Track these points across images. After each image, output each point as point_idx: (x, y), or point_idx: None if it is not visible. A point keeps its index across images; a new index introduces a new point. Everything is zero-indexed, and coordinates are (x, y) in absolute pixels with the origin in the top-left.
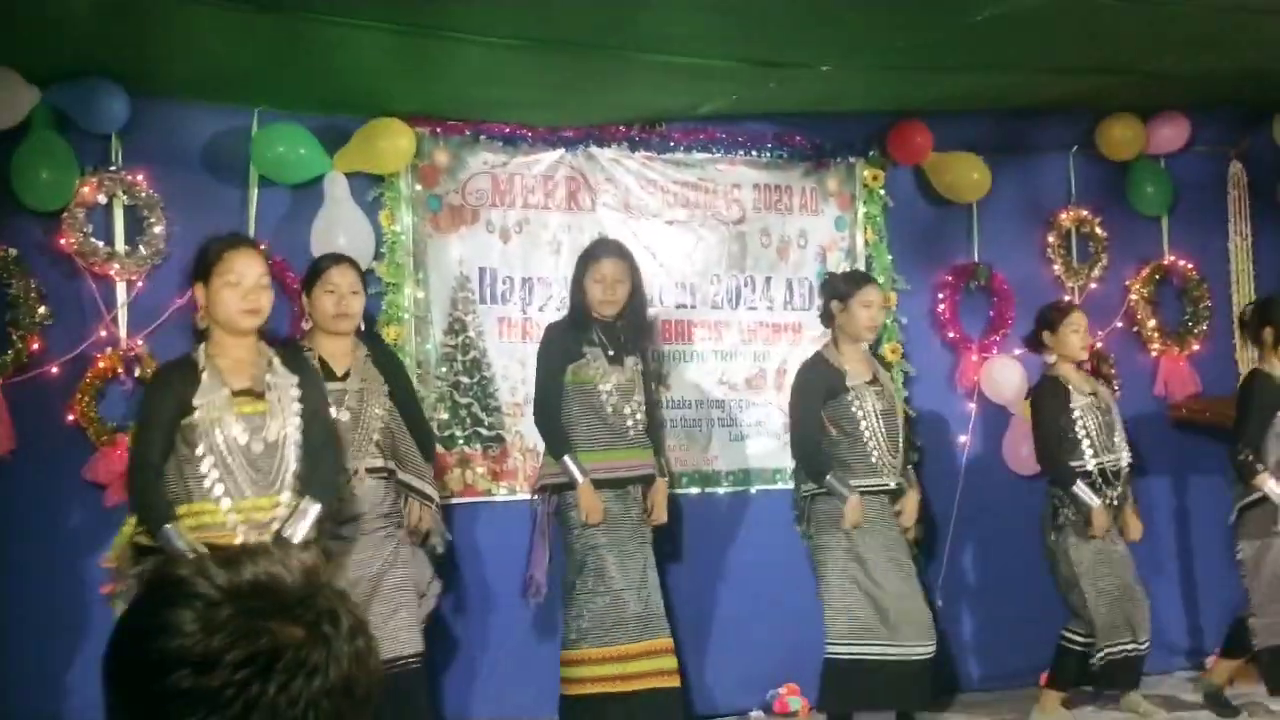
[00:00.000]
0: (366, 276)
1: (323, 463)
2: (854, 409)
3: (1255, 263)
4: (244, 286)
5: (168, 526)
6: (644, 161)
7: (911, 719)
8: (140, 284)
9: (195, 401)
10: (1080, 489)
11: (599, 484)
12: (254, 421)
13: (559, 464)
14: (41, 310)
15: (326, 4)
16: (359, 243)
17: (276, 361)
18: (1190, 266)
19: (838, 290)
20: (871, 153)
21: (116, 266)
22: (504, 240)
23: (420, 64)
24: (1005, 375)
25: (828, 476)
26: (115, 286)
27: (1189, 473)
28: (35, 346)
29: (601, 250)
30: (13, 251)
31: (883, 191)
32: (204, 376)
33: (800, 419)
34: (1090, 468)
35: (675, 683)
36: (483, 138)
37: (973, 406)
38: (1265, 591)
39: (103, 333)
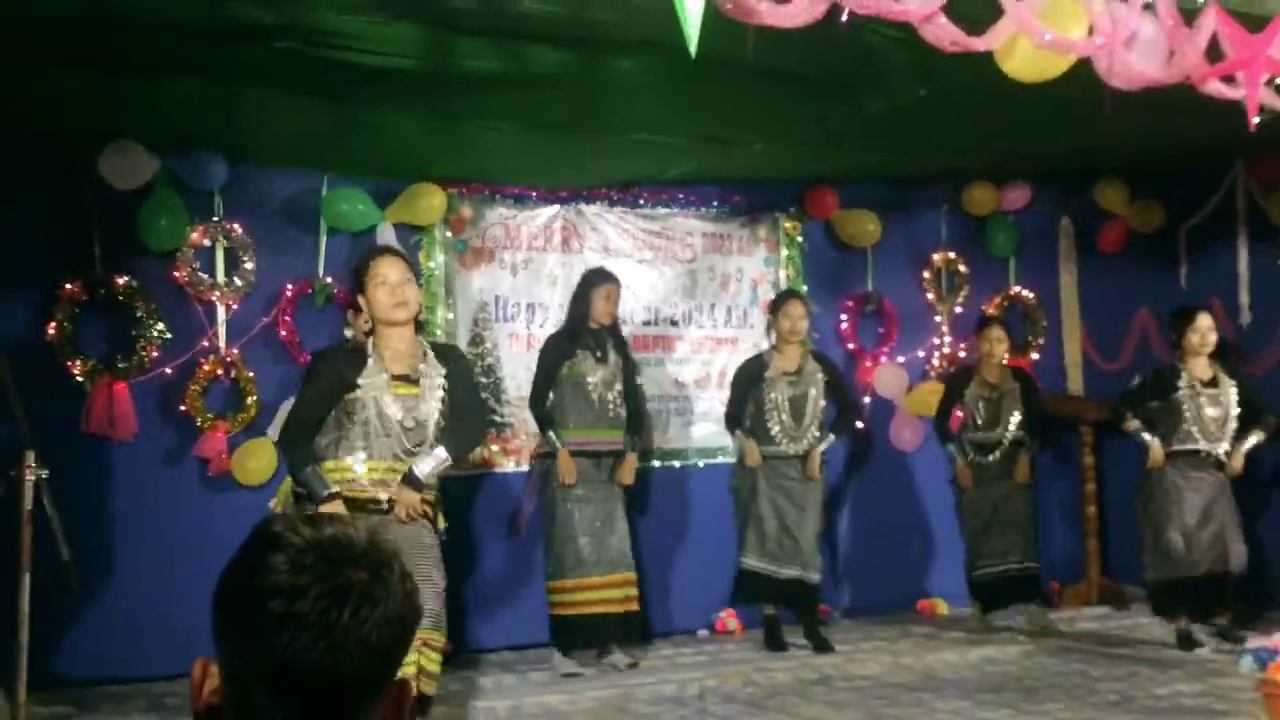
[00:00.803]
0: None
1: (462, 424)
2: (765, 394)
3: (1080, 292)
4: (390, 284)
5: (306, 469)
6: (620, 215)
7: (813, 629)
8: (236, 307)
9: (360, 381)
10: (952, 450)
11: (581, 453)
12: (408, 402)
13: (544, 438)
14: (159, 326)
15: (380, 97)
16: None
17: (430, 354)
18: (1031, 296)
19: (774, 305)
20: (792, 209)
21: (218, 294)
22: (513, 275)
23: (450, 142)
24: (891, 377)
25: (736, 433)
26: (216, 309)
27: None
28: (154, 354)
29: (608, 275)
30: (136, 282)
31: (800, 239)
32: (370, 361)
33: (729, 398)
34: (970, 438)
35: (635, 607)
36: (498, 196)
37: (868, 400)
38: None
39: (206, 344)
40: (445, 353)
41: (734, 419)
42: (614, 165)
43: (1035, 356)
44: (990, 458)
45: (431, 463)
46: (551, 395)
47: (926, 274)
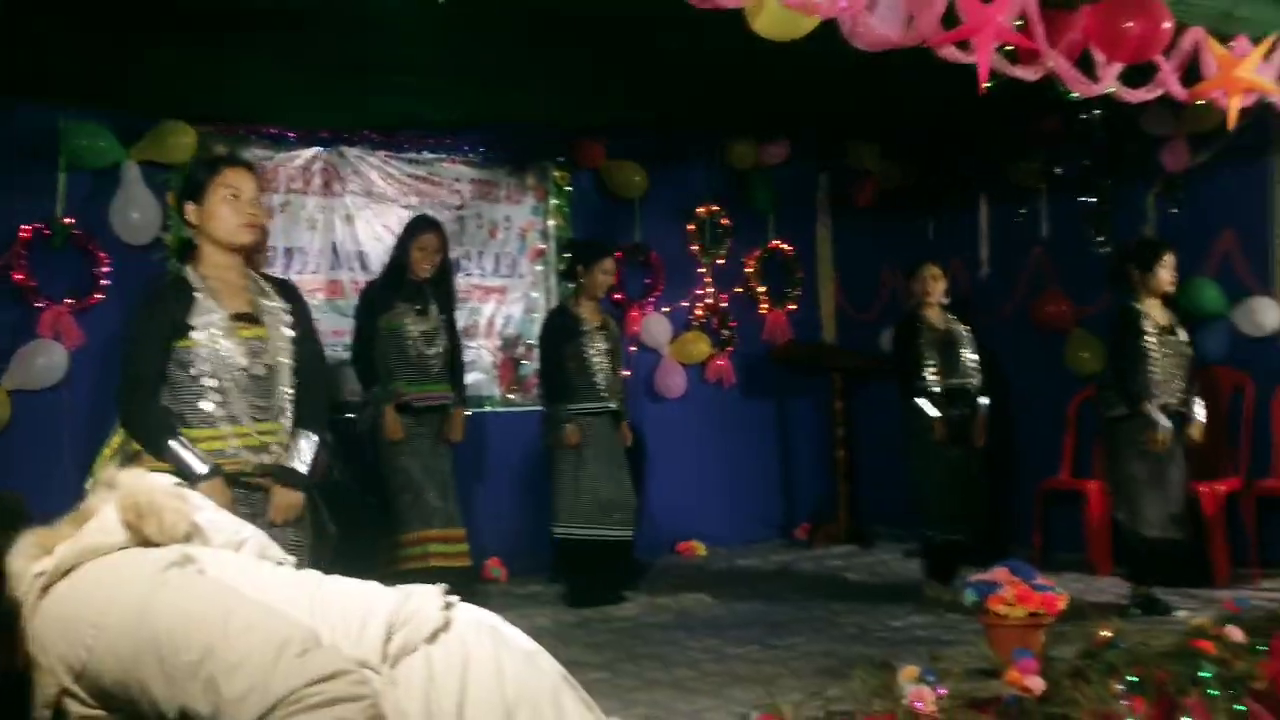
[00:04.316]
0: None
1: (314, 394)
2: (585, 349)
3: (835, 245)
4: (243, 200)
5: (172, 442)
6: (384, 159)
7: (621, 584)
8: None
9: (191, 322)
10: (922, 404)
11: (406, 409)
12: (253, 345)
13: (367, 393)
14: None
15: (125, 26)
16: (149, 217)
17: (269, 287)
18: (789, 249)
19: (582, 256)
20: (560, 158)
21: None
22: (270, 218)
23: (202, 76)
24: (657, 327)
25: (557, 405)
26: None
27: (786, 396)
28: None
29: (425, 224)
30: None
31: (569, 188)
32: (198, 297)
33: (544, 356)
34: (935, 388)
35: (467, 563)
36: (253, 136)
37: (634, 349)
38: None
39: None
40: (285, 288)
41: (554, 384)
42: (377, 108)
43: (792, 307)
44: (957, 410)
45: (308, 455)
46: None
47: (691, 226)
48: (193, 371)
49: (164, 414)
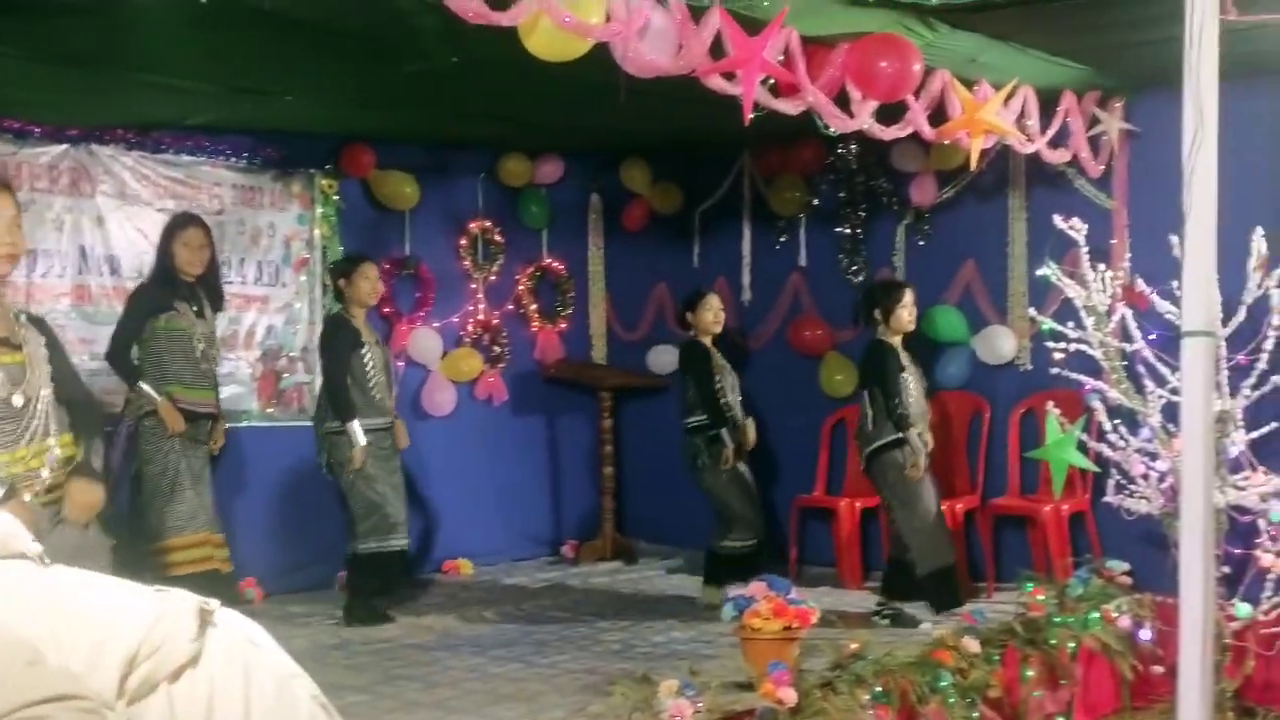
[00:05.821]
0: None
1: (87, 411)
2: (366, 362)
3: (606, 266)
4: None
5: None
6: (138, 159)
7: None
8: None
9: None
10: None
11: (181, 414)
12: (14, 373)
13: (136, 391)
14: None
15: None
16: None
17: (24, 316)
18: (561, 267)
19: (341, 269)
20: (328, 166)
21: None
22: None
23: None
24: (426, 342)
25: (352, 423)
26: None
27: (556, 414)
28: None
29: (188, 220)
30: None
31: (336, 197)
32: None
33: (329, 368)
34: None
35: (228, 568)
36: None
37: (402, 364)
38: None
39: None
40: (34, 319)
41: (338, 393)
42: (131, 106)
43: (564, 325)
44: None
45: (99, 455)
46: (138, 350)
47: (463, 241)
48: None
49: None
